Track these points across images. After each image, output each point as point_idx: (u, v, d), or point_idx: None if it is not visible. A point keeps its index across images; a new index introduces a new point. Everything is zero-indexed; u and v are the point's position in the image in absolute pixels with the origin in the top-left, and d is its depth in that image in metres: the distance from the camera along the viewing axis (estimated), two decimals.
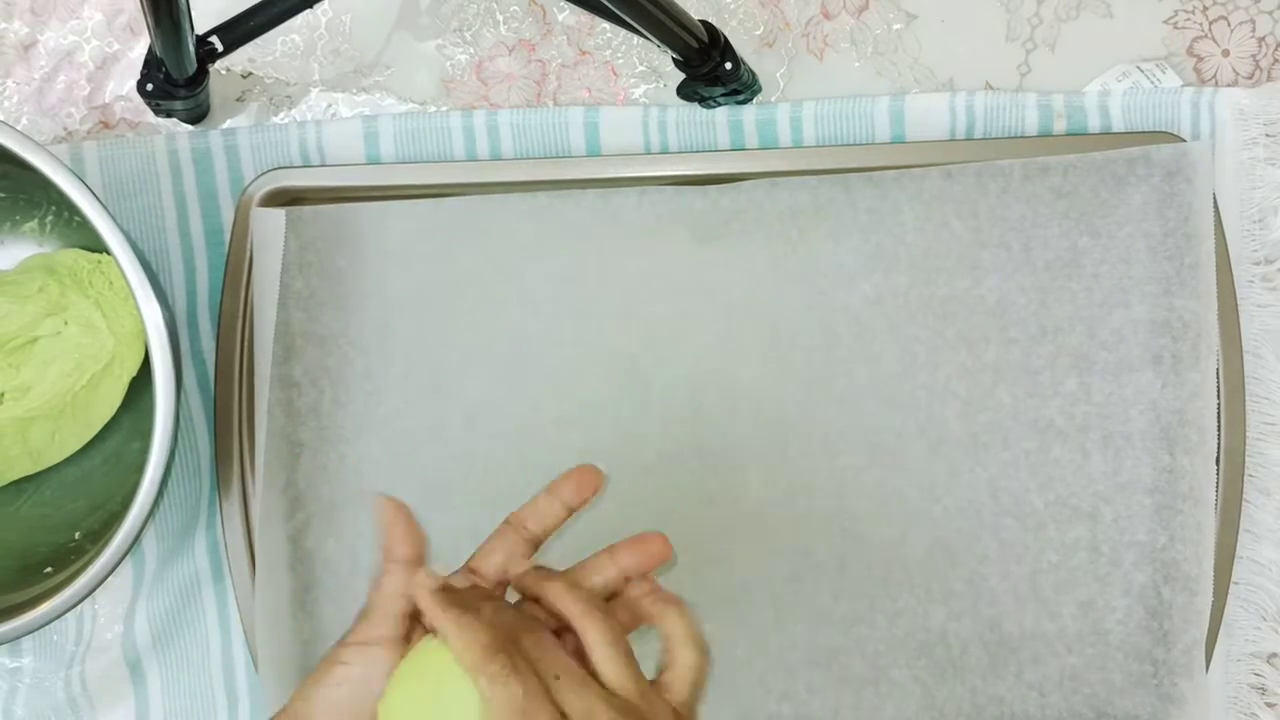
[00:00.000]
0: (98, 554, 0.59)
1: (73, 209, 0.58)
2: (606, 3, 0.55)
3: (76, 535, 0.66)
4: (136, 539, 0.59)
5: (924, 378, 0.67)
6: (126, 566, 0.68)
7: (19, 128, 0.71)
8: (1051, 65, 0.70)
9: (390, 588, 0.49)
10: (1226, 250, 0.67)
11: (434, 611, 0.46)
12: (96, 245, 0.65)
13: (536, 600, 0.49)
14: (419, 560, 0.50)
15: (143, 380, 0.68)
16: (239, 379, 0.68)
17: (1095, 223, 0.66)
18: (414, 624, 0.49)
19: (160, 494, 0.59)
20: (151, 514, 0.59)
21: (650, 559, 0.51)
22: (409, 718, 0.45)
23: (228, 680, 0.70)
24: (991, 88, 0.70)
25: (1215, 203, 0.66)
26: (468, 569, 0.51)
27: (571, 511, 0.52)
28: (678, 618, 0.48)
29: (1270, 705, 0.68)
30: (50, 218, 0.69)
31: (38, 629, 0.60)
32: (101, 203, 0.57)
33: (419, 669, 0.46)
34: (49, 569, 0.63)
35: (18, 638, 0.61)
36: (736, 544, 0.67)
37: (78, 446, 0.68)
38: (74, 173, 0.58)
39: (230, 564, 0.69)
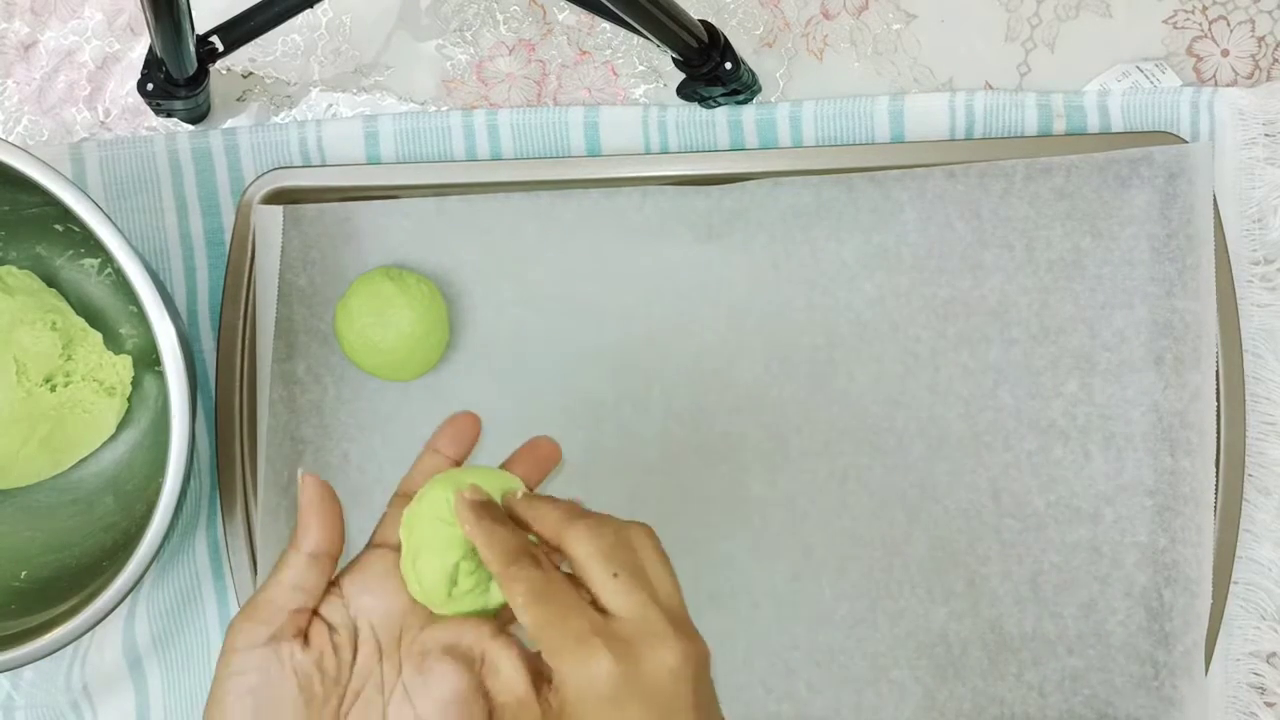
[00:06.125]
0: (103, 588, 0.58)
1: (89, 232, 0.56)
2: (606, 3, 0.55)
3: (22, 575, 0.64)
4: (139, 579, 0.58)
5: (926, 378, 0.67)
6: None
7: (20, 128, 0.71)
8: (1051, 65, 0.70)
9: (287, 579, 0.44)
10: (1226, 250, 0.67)
11: (465, 513, 0.43)
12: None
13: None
14: (329, 557, 0.45)
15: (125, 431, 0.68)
16: (239, 378, 0.68)
17: (1098, 224, 0.66)
18: (311, 620, 0.44)
19: (171, 531, 0.58)
20: (159, 553, 0.58)
21: (542, 463, 0.48)
22: (360, 314, 0.63)
23: None
24: (991, 87, 0.70)
25: (1215, 203, 0.66)
26: (372, 545, 0.47)
27: (457, 463, 0.49)
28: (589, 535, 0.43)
29: (1270, 705, 0.68)
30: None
31: (39, 659, 0.58)
32: (117, 226, 0.56)
33: (369, 288, 0.63)
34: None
35: (15, 667, 0.59)
36: (737, 544, 0.67)
37: (49, 473, 0.67)
38: (86, 194, 0.56)
39: (231, 563, 0.69)
